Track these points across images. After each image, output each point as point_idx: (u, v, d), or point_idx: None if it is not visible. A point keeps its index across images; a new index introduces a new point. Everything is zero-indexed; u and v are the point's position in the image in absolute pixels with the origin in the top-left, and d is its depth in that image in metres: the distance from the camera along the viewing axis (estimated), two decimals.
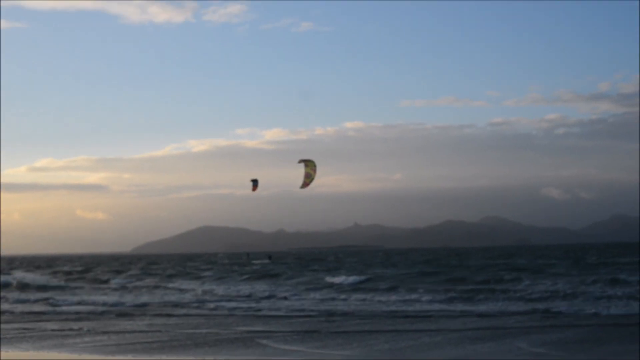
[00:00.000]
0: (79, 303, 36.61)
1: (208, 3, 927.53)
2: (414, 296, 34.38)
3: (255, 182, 23.74)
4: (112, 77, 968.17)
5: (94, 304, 35.64)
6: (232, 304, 33.56)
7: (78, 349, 18.42)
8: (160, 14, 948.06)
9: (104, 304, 34.79)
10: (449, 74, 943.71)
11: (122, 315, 29.09)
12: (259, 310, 30.58)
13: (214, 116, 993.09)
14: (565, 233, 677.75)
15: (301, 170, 20.92)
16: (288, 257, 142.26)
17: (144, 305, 34.19)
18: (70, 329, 23.17)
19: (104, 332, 22.06)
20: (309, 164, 20.89)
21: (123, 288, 49.11)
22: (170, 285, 49.79)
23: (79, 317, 28.46)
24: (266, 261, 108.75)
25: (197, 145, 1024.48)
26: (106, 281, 58.80)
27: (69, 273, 76.22)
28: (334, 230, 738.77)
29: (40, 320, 26.97)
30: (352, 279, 46.62)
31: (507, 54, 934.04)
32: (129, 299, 38.61)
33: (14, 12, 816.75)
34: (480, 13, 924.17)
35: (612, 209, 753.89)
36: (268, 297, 37.16)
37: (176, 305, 33.89)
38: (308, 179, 20.90)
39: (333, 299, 35.15)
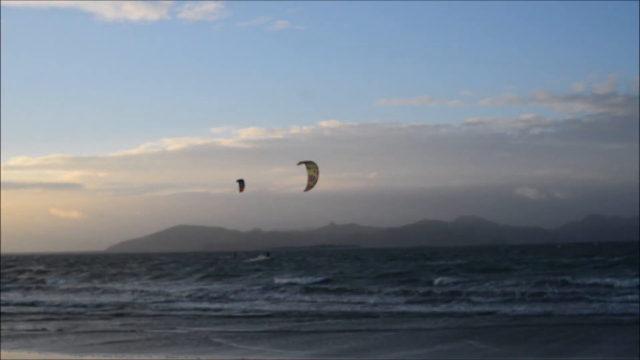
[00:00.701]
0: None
1: (183, 1, 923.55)
2: (369, 297, 34.56)
3: (241, 183, 23.51)
4: (87, 75, 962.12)
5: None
6: (191, 304, 33.67)
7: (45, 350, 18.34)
8: (135, 12, 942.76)
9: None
10: (425, 73, 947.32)
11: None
12: (219, 310, 30.65)
13: (189, 114, 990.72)
14: (541, 233, 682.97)
15: (302, 171, 20.54)
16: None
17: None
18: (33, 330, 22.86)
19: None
20: (311, 166, 20.66)
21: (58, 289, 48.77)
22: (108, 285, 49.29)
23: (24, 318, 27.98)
24: (265, 258, 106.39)
25: (173, 143, 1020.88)
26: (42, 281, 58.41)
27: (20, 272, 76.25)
28: (310, 230, 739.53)
29: None
30: (309, 279, 47.06)
31: (482, 53, 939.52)
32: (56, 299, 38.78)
33: None
34: (455, 14, 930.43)
35: (587, 209, 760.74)
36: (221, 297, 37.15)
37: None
38: (312, 182, 20.73)
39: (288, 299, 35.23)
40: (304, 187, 20.57)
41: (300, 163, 20.70)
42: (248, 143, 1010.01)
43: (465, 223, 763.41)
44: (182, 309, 31.41)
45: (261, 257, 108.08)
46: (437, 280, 41.89)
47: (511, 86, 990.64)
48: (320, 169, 20.47)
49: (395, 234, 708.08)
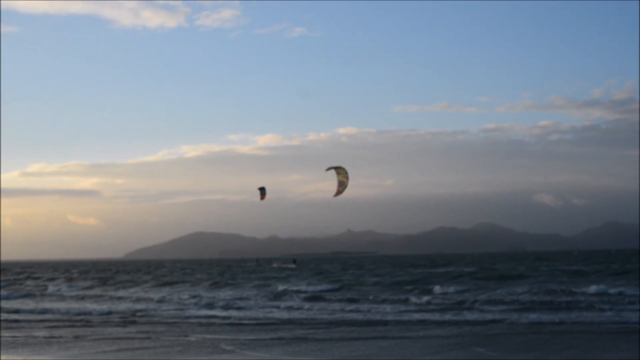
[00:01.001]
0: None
1: (201, 8, 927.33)
2: (381, 305, 34.56)
3: (262, 190, 23.56)
4: (105, 82, 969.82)
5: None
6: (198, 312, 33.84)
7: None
8: (153, 19, 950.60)
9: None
10: (442, 79, 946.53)
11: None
12: (229, 317, 30.70)
13: (207, 122, 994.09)
14: (559, 239, 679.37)
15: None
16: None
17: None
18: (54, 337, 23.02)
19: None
20: (341, 172, 20.51)
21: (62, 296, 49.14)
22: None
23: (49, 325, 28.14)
24: (292, 265, 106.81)
25: (190, 150, 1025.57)
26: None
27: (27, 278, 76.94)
28: (327, 237, 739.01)
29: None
30: (322, 286, 47.25)
31: (500, 60, 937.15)
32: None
33: (8, 16, 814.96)
34: (474, 20, 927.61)
35: (605, 215, 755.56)
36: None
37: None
38: (342, 187, 20.64)
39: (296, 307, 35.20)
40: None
41: (329, 169, 20.51)
42: (265, 150, 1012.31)
43: (482, 230, 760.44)
44: (195, 316, 31.49)
45: (289, 264, 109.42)
46: (436, 289, 41.84)
47: (529, 93, 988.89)
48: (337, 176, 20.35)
49: (412, 241, 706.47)
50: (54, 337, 22.97)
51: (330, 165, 20.71)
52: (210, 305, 37.40)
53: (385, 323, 26.66)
